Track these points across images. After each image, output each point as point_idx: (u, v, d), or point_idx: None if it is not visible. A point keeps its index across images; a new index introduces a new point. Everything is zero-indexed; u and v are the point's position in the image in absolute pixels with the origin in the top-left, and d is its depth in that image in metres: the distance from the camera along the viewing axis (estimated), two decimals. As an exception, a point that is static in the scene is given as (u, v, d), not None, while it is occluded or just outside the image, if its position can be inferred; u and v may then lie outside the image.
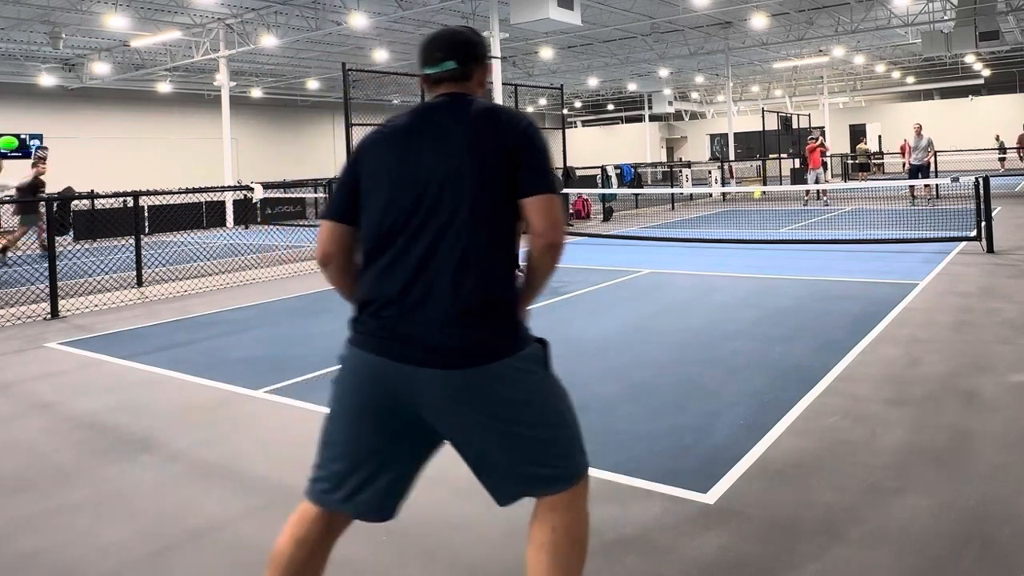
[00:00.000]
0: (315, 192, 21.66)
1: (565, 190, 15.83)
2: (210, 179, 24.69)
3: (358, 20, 18.26)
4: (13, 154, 20.41)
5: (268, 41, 20.05)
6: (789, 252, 10.03)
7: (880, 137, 37.75)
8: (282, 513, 3.05)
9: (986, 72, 35.70)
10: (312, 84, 31.17)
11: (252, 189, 11.60)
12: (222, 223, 19.99)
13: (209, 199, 19.50)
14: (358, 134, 12.41)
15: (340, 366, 1.94)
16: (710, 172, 25.86)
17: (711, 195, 22.66)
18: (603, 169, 21.46)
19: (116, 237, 15.00)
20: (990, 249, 9.22)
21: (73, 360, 5.79)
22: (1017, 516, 2.78)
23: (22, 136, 20.70)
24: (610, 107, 46.59)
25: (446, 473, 3.37)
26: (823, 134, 21.97)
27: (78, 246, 14.35)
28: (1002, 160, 30.49)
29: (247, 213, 19.92)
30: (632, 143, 43.14)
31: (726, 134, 28.66)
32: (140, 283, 9.45)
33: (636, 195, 20.72)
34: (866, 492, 3.01)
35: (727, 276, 8.28)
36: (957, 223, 11.90)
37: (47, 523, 3.05)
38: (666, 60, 27.88)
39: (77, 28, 20.03)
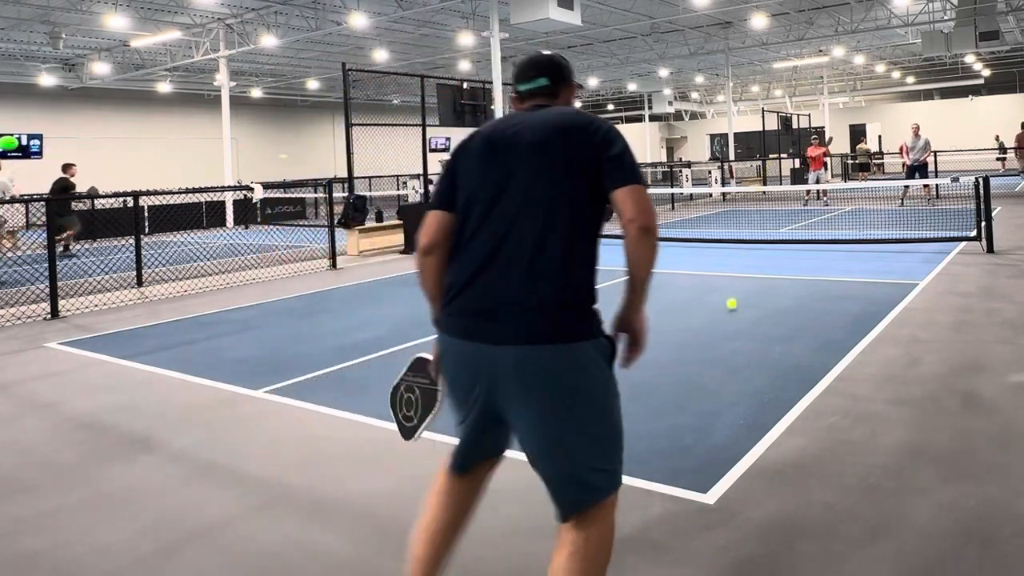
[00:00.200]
0: (315, 192, 21.65)
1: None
2: (210, 179, 24.69)
3: (358, 20, 18.26)
4: (13, 154, 20.40)
5: (268, 41, 20.04)
6: (789, 252, 10.03)
7: (880, 137, 37.75)
8: (282, 513, 3.05)
9: (986, 72, 35.69)
10: (312, 84, 31.16)
11: (252, 189, 11.60)
12: (222, 223, 19.99)
13: (209, 199, 19.51)
14: (358, 134, 12.43)
15: (438, 351, 2.11)
16: (710, 172, 25.85)
17: (711, 195, 22.65)
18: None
19: (116, 237, 15.00)
20: (990, 249, 9.22)
21: (73, 360, 5.79)
22: (1017, 516, 2.78)
23: (22, 136, 20.69)
24: (610, 107, 46.59)
25: (446, 473, 3.37)
26: (822, 136, 21.98)
27: (78, 246, 14.35)
28: (1001, 160, 30.49)
29: (247, 213, 19.92)
30: (632, 143, 42.83)
31: (726, 134, 28.65)
32: (140, 283, 9.45)
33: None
34: (866, 492, 3.01)
35: (727, 276, 8.28)
36: (957, 223, 11.90)
37: (47, 523, 3.05)
38: (666, 60, 27.88)
39: (77, 28, 20.02)
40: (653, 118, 43.42)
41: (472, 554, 2.68)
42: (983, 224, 9.48)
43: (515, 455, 3.54)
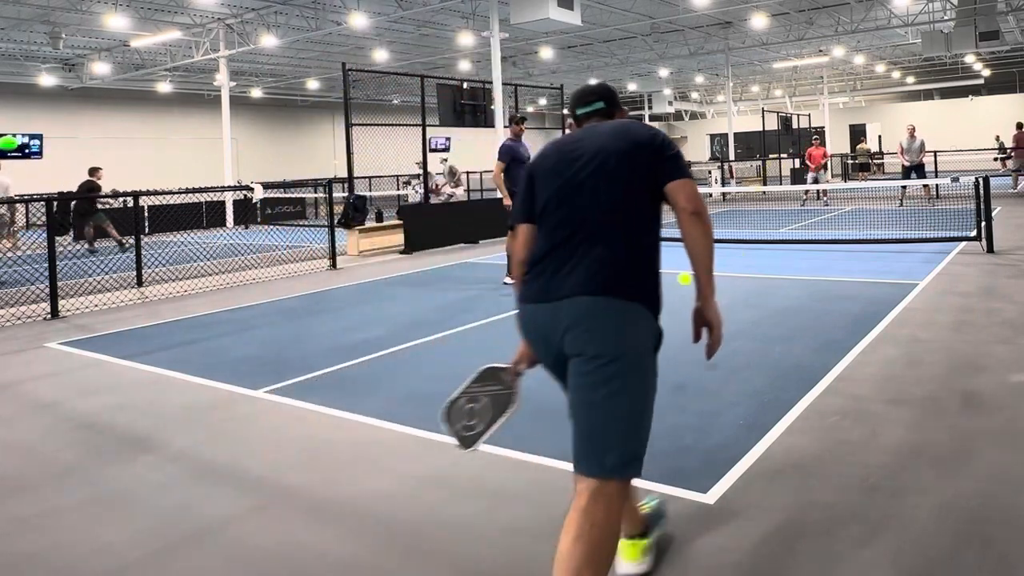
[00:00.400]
0: (315, 192, 21.65)
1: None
2: (210, 179, 24.68)
3: (358, 20, 18.26)
4: (13, 154, 20.40)
5: (268, 41, 20.04)
6: (789, 252, 10.03)
7: (880, 137, 37.74)
8: (282, 513, 3.05)
9: (986, 72, 35.68)
10: (312, 84, 31.16)
11: (252, 189, 11.60)
12: (222, 223, 19.99)
13: (209, 199, 19.51)
14: (358, 134, 12.43)
15: (518, 321, 2.38)
16: (710, 172, 25.86)
17: (711, 195, 22.65)
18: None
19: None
20: (990, 249, 9.22)
21: (73, 360, 5.79)
22: (1017, 516, 2.78)
23: (22, 136, 20.69)
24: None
25: (446, 473, 3.37)
26: (823, 136, 22.03)
27: (78, 246, 14.35)
28: (1002, 160, 30.47)
29: (247, 213, 19.92)
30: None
31: (726, 134, 28.65)
32: (140, 283, 9.45)
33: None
34: (866, 492, 3.01)
35: (727, 276, 8.27)
36: (957, 223, 11.90)
37: (47, 523, 3.05)
38: (666, 60, 27.88)
39: (77, 28, 20.02)
40: (653, 118, 43.38)
41: (472, 554, 2.68)
42: (983, 224, 9.47)
43: (515, 455, 3.55)
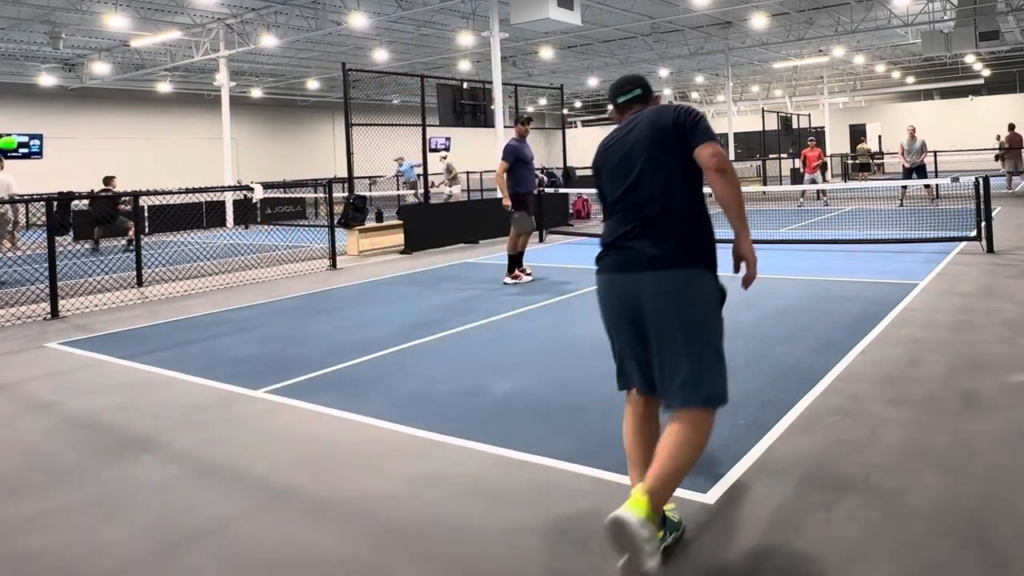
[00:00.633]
0: (315, 192, 21.65)
1: (564, 190, 15.85)
2: (210, 179, 24.68)
3: (358, 20, 18.25)
4: (13, 154, 20.39)
5: (268, 41, 20.04)
6: (789, 252, 10.03)
7: (880, 137, 37.73)
8: (282, 513, 3.05)
9: (986, 72, 35.68)
10: (312, 84, 31.16)
11: (252, 189, 11.59)
12: (222, 223, 19.99)
13: (209, 199, 19.51)
14: (358, 134, 12.43)
15: (597, 290, 2.78)
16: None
17: (710, 195, 22.62)
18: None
19: (116, 237, 15.01)
20: (990, 249, 9.22)
21: (73, 360, 5.79)
22: (1017, 516, 2.78)
23: (20, 136, 20.70)
24: (610, 107, 46.53)
25: (446, 473, 3.37)
26: (820, 136, 22.10)
27: (78, 246, 14.36)
28: (1002, 159, 30.46)
29: (247, 213, 19.93)
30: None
31: (726, 134, 28.63)
32: (140, 283, 9.45)
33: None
34: (866, 492, 3.01)
35: (727, 276, 8.27)
36: (957, 223, 11.90)
37: (47, 523, 3.05)
38: (666, 60, 27.88)
39: (77, 28, 20.02)
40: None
41: (472, 554, 2.68)
42: (983, 224, 9.47)
43: (515, 455, 3.55)
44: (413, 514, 2.99)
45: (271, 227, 19.06)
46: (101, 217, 14.15)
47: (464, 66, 27.54)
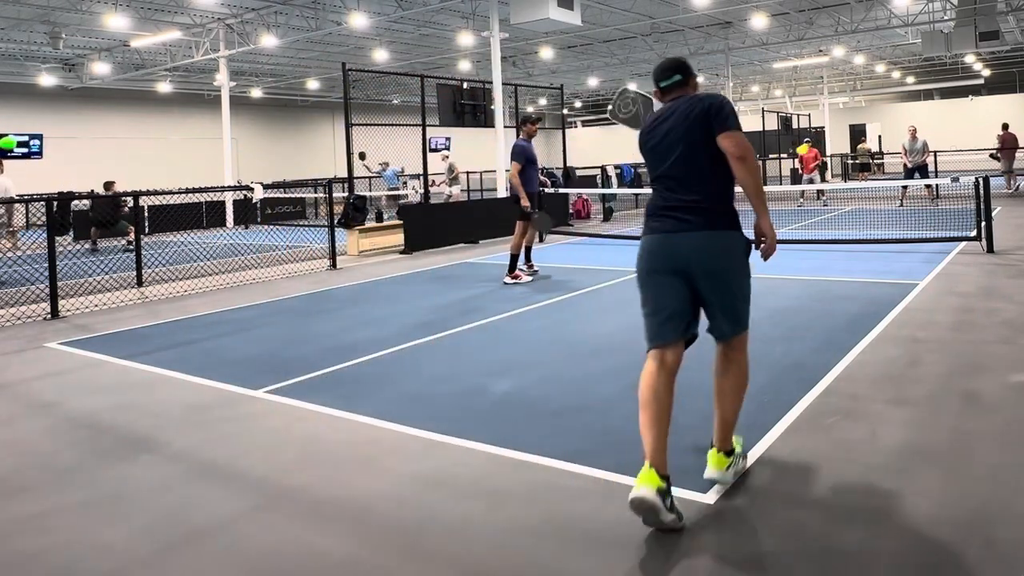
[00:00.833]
0: (315, 192, 21.65)
1: (564, 190, 15.85)
2: (210, 179, 24.69)
3: (358, 20, 18.26)
4: (13, 154, 20.40)
5: (268, 41, 20.04)
6: (789, 252, 10.03)
7: (880, 137, 37.72)
8: (282, 513, 3.05)
9: (986, 72, 35.67)
10: (312, 84, 31.15)
11: (252, 189, 11.60)
12: (222, 223, 19.99)
13: (209, 199, 19.52)
14: (358, 134, 12.43)
15: (640, 250, 3.21)
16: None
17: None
18: (603, 169, 21.48)
19: (116, 237, 15.01)
20: (990, 249, 9.22)
21: (73, 360, 5.79)
22: (1017, 516, 2.78)
23: (22, 136, 20.70)
24: (610, 107, 46.53)
25: (446, 473, 3.37)
26: (817, 137, 22.14)
27: (78, 246, 14.36)
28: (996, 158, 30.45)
29: (247, 213, 19.93)
30: (632, 143, 42.88)
31: (726, 134, 28.58)
32: (140, 283, 9.46)
33: (636, 195, 20.72)
34: (866, 492, 3.01)
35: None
36: (957, 223, 11.90)
37: (47, 523, 3.05)
38: (666, 60, 27.83)
39: (77, 28, 20.02)
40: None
41: (472, 554, 2.68)
42: (983, 224, 9.47)
43: (515, 455, 3.55)
44: (413, 514, 2.99)
45: (271, 227, 19.06)
46: (102, 220, 14.23)
47: (464, 66, 27.54)
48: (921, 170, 16.97)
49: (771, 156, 25.67)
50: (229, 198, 20.11)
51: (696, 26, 23.68)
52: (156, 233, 17.56)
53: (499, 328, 6.32)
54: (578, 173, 20.57)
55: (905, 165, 17.30)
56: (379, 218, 17.40)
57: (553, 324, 6.38)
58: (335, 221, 11.32)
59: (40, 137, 21.11)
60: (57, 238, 8.96)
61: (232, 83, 22.52)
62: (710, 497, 3.01)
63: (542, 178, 16.52)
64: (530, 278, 8.69)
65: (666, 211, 3.14)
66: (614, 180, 21.07)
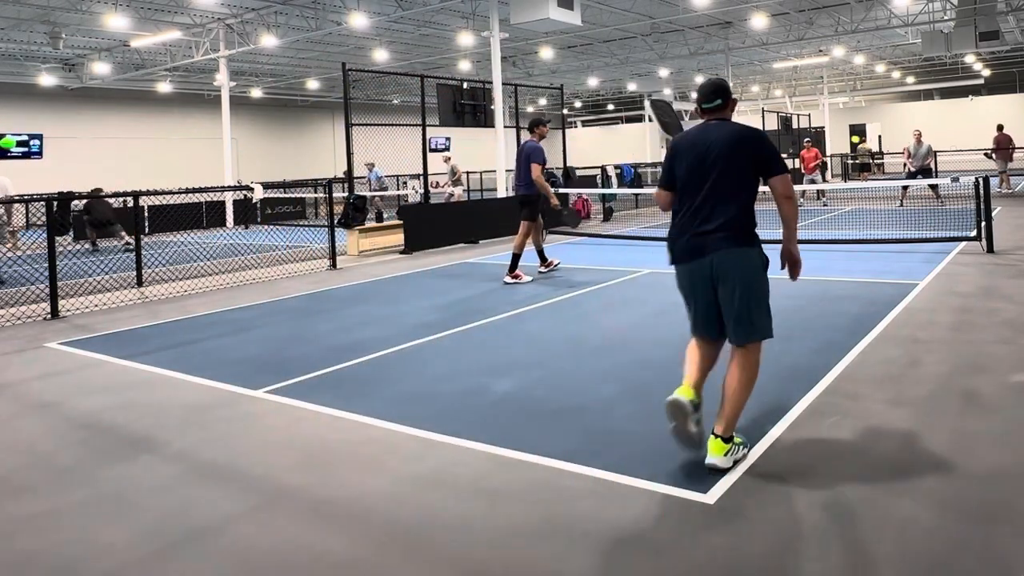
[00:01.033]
0: (315, 192, 21.65)
1: (564, 190, 15.84)
2: (210, 179, 24.69)
3: (358, 20, 18.25)
4: (13, 154, 20.41)
5: (268, 41, 20.04)
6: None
7: (880, 137, 37.72)
8: (282, 513, 3.05)
9: (986, 72, 35.68)
10: (312, 84, 31.15)
11: (252, 189, 11.60)
12: (222, 223, 19.99)
13: (209, 199, 19.51)
14: (358, 134, 12.43)
15: (676, 272, 3.59)
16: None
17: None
18: (603, 169, 21.47)
19: (112, 238, 15.01)
20: (990, 249, 9.22)
21: (73, 360, 5.79)
22: (1017, 516, 2.78)
23: (20, 136, 20.69)
24: (610, 107, 46.57)
25: (446, 473, 3.37)
26: (817, 137, 22.15)
27: (78, 246, 14.36)
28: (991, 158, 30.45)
29: (247, 213, 19.93)
30: (632, 143, 43.14)
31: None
32: (140, 283, 9.45)
33: (636, 195, 20.72)
34: (866, 492, 3.01)
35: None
36: (957, 223, 11.90)
37: (47, 523, 3.05)
38: (666, 60, 27.88)
39: (77, 28, 20.02)
40: (653, 118, 43.36)
41: (472, 554, 2.68)
42: (983, 224, 9.47)
43: (515, 455, 3.55)
44: (413, 514, 2.99)
45: (271, 227, 19.06)
46: (95, 223, 14.32)
47: (464, 66, 27.54)
48: (924, 173, 16.95)
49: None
50: (229, 198, 20.11)
51: (696, 26, 23.68)
52: (156, 233, 17.55)
53: (499, 328, 6.32)
54: (578, 173, 20.55)
55: (908, 168, 17.28)
56: (379, 218, 17.41)
57: (553, 324, 6.38)
58: (335, 221, 11.32)
59: (40, 137, 21.11)
60: (57, 238, 8.96)
61: (232, 83, 22.52)
62: (710, 497, 3.02)
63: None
64: (530, 278, 8.70)
65: (701, 227, 3.46)
66: (614, 180, 21.06)
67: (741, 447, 3.40)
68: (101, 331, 6.86)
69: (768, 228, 3.35)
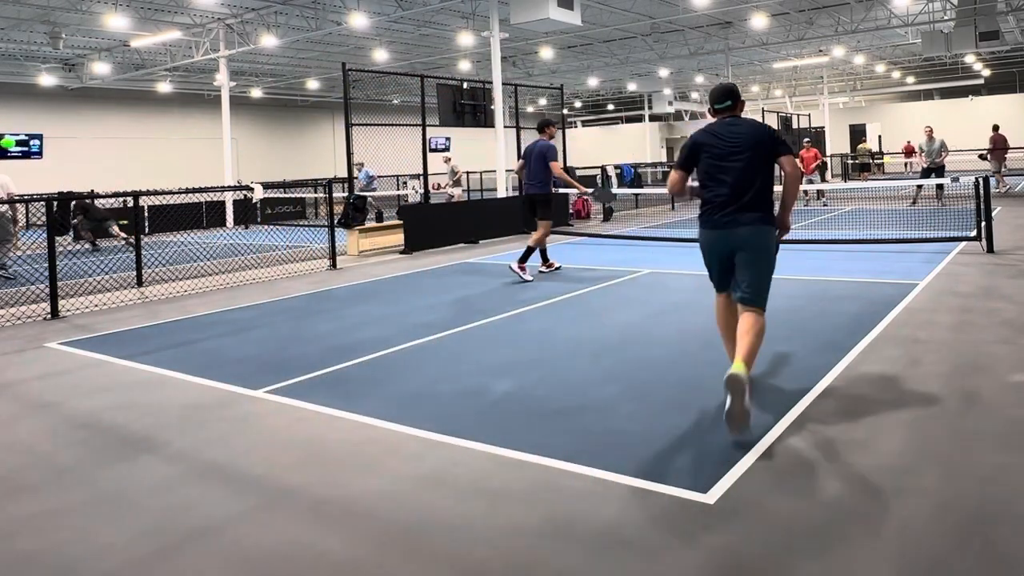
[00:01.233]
0: (315, 192, 21.65)
1: (564, 190, 15.83)
2: (210, 179, 24.69)
3: (358, 20, 18.25)
4: (13, 153, 20.41)
5: (268, 41, 20.04)
6: (789, 252, 10.02)
7: (880, 137, 37.72)
8: (282, 513, 3.05)
9: (986, 72, 35.68)
10: (312, 84, 31.16)
11: (252, 189, 11.60)
12: (222, 223, 19.99)
13: (209, 199, 19.51)
14: (358, 134, 12.43)
15: (701, 239, 4.30)
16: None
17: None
18: (603, 169, 21.48)
19: (108, 238, 15.01)
20: (990, 249, 9.22)
21: (73, 360, 5.79)
22: (1017, 516, 2.78)
23: (19, 135, 20.69)
24: (610, 107, 46.57)
25: (446, 473, 3.37)
26: (817, 137, 22.15)
27: (78, 246, 14.36)
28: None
29: (247, 213, 19.93)
30: (632, 143, 43.14)
31: (726, 134, 28.56)
32: (140, 283, 9.46)
33: (636, 195, 20.72)
34: (866, 492, 3.01)
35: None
36: (957, 223, 11.90)
37: (47, 523, 3.05)
38: (666, 60, 27.88)
39: (77, 28, 20.02)
40: (653, 118, 43.40)
41: (472, 554, 2.68)
42: (983, 224, 9.47)
43: (515, 455, 3.55)
44: (413, 514, 2.99)
45: (271, 227, 19.06)
46: (93, 221, 14.40)
47: (464, 66, 27.54)
48: (939, 171, 16.82)
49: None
50: (229, 198, 20.11)
51: (696, 26, 23.68)
52: (156, 233, 17.55)
53: (499, 328, 6.32)
54: (578, 173, 20.55)
55: (922, 166, 17.24)
56: (379, 218, 17.40)
57: (553, 324, 6.38)
58: (335, 221, 11.32)
59: (40, 137, 21.11)
60: (57, 238, 8.96)
61: (232, 83, 22.52)
62: (710, 497, 3.02)
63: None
64: (531, 278, 8.73)
65: (728, 206, 4.14)
66: (614, 180, 21.06)
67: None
68: (101, 331, 6.87)
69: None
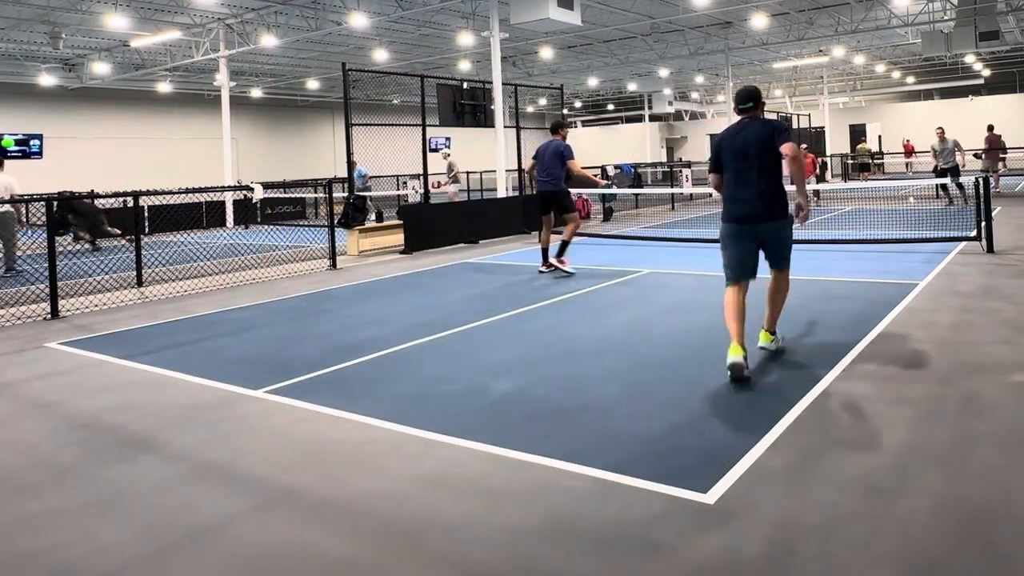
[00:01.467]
0: (315, 192, 21.64)
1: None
2: (210, 179, 24.68)
3: (358, 20, 18.25)
4: (13, 153, 20.42)
5: (268, 41, 20.04)
6: (789, 252, 10.02)
7: (880, 137, 37.72)
8: (282, 513, 3.05)
9: (986, 72, 35.68)
10: (312, 84, 31.16)
11: (252, 189, 11.60)
12: (222, 223, 19.99)
13: (209, 199, 19.51)
14: (358, 134, 12.43)
15: (724, 230, 4.89)
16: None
17: (711, 195, 22.64)
18: (603, 169, 21.47)
19: (106, 238, 15.00)
20: (990, 249, 9.22)
21: (73, 360, 5.79)
22: (1017, 516, 2.78)
23: (17, 135, 20.70)
24: (610, 107, 46.57)
25: (446, 473, 3.37)
26: (817, 137, 22.18)
27: (78, 246, 14.36)
28: (1002, 160, 30.44)
29: (247, 213, 19.93)
30: (632, 143, 43.14)
31: (726, 134, 28.55)
32: (140, 283, 9.46)
33: (636, 195, 20.72)
34: (866, 492, 3.01)
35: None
36: (957, 223, 11.90)
37: (47, 523, 3.05)
38: (666, 60, 27.88)
39: (77, 28, 20.02)
40: (653, 118, 43.39)
41: (472, 554, 2.68)
42: (983, 224, 9.47)
43: (515, 455, 3.55)
44: (413, 514, 2.99)
45: (271, 227, 19.06)
46: (87, 219, 14.41)
47: (464, 66, 27.54)
48: (953, 172, 16.75)
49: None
50: (229, 198, 20.11)
51: (696, 26, 23.68)
52: (156, 233, 17.56)
53: (499, 328, 6.32)
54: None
55: (935, 167, 17.22)
56: (379, 218, 17.40)
57: (553, 324, 6.38)
58: (335, 221, 11.32)
59: (40, 137, 21.13)
60: (57, 238, 8.96)
61: (232, 83, 22.52)
62: (710, 497, 3.02)
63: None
64: (574, 271, 9.02)
65: (745, 198, 4.77)
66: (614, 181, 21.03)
67: (780, 339, 5.14)
68: (101, 331, 6.87)
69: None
